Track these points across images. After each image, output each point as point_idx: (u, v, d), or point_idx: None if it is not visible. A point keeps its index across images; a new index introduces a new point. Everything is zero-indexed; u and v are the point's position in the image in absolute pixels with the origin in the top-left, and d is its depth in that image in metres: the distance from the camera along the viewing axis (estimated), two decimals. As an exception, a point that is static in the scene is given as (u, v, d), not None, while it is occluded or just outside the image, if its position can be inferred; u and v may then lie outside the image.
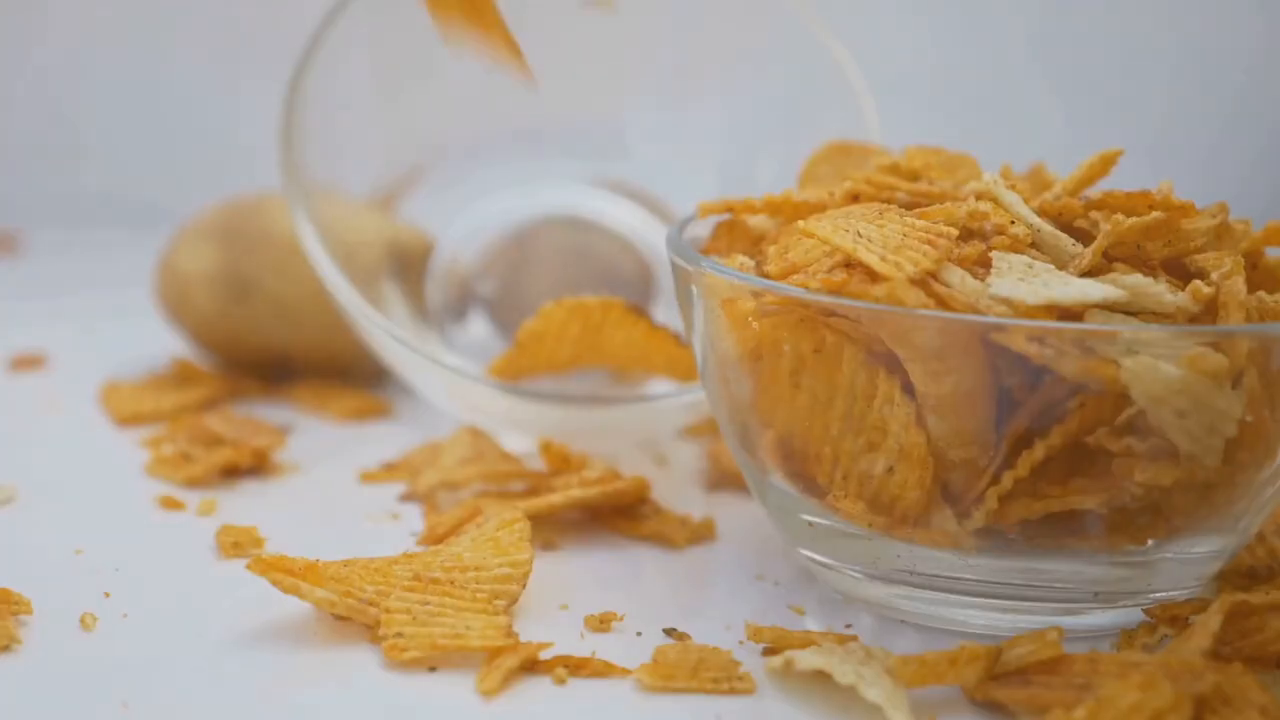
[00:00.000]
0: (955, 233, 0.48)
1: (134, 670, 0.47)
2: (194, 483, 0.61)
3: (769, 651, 0.49)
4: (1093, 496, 0.47)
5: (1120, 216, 0.48)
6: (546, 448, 0.59)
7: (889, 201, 0.52)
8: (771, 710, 0.46)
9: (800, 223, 0.49)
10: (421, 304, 0.71)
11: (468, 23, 0.53)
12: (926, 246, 0.47)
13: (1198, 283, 0.47)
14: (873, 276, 0.47)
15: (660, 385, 0.66)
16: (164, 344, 0.76)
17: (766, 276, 0.50)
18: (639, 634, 0.50)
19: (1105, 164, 0.52)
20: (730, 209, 0.54)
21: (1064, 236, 0.49)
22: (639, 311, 0.60)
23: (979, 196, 0.50)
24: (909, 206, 0.51)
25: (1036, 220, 0.49)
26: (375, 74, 0.69)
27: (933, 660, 0.45)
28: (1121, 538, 0.48)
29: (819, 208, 0.53)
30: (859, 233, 0.48)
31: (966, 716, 0.46)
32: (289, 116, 0.65)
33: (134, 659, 0.48)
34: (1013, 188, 0.51)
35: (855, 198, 0.52)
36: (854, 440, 0.48)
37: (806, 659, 0.46)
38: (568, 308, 0.60)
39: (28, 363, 0.75)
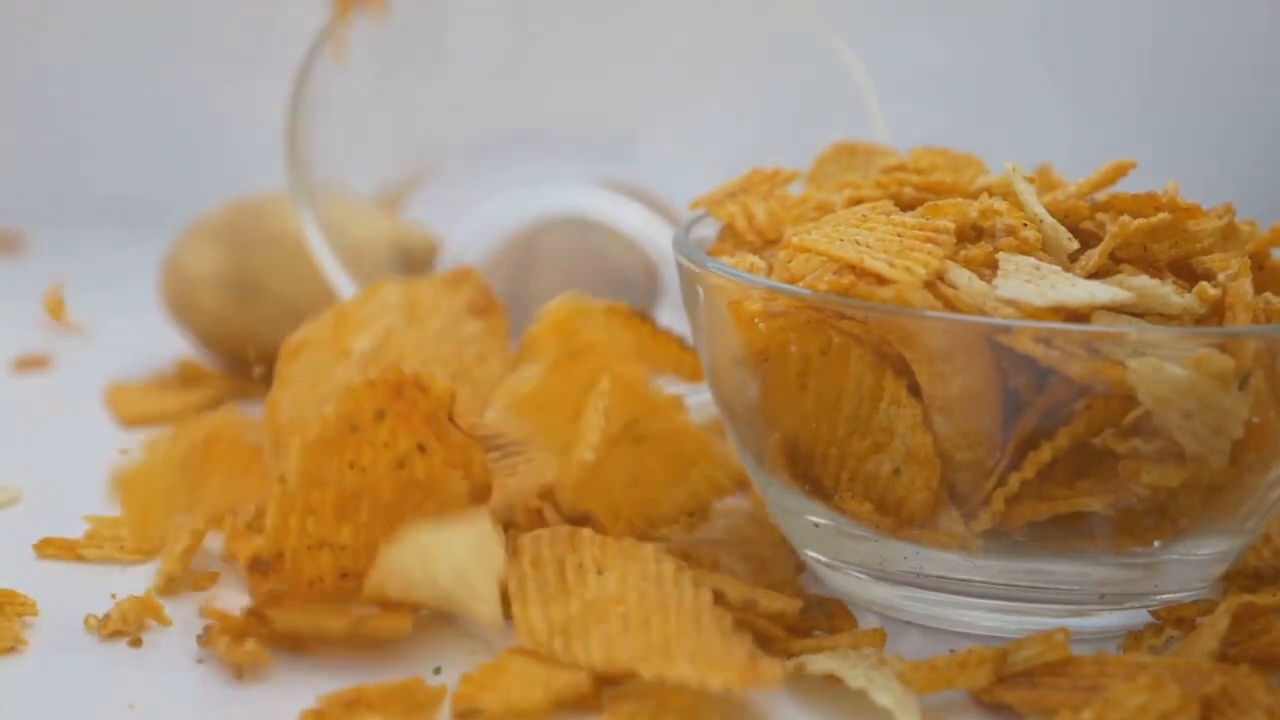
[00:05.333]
0: (951, 226, 0.48)
1: (140, 672, 0.47)
2: (199, 483, 0.61)
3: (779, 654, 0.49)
4: (1099, 498, 0.47)
5: (1127, 218, 0.48)
6: None
7: (895, 197, 0.52)
8: (782, 712, 0.46)
9: (793, 238, 0.49)
10: (427, 305, 0.70)
11: None
12: (929, 245, 0.47)
13: (1204, 284, 0.47)
14: (880, 278, 0.47)
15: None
16: (169, 345, 0.76)
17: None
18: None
19: (1116, 174, 0.52)
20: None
21: (1061, 229, 0.49)
22: (643, 316, 0.60)
23: (992, 191, 0.50)
24: (918, 202, 0.51)
25: (1042, 210, 0.49)
26: (380, 74, 0.69)
27: (943, 665, 0.45)
28: (1128, 539, 0.48)
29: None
30: (856, 241, 0.48)
31: (973, 718, 0.46)
32: (294, 116, 0.65)
33: (140, 661, 0.48)
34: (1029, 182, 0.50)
35: (859, 204, 0.52)
36: (860, 441, 0.48)
37: (819, 663, 0.46)
38: (571, 312, 0.59)
39: (32, 363, 0.75)
